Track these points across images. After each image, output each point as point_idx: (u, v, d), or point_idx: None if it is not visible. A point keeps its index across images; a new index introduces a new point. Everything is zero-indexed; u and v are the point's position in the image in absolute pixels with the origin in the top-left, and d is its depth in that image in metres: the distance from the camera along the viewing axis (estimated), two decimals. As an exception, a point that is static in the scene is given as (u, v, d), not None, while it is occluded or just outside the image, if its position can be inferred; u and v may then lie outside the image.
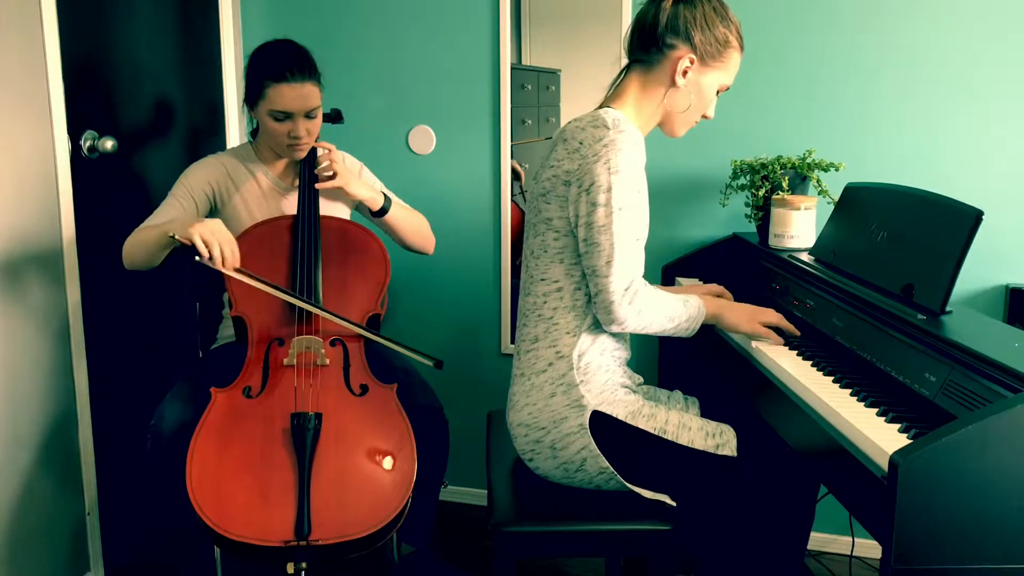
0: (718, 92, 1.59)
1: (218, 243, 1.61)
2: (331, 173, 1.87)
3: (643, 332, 1.52)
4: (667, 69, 1.54)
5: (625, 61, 1.62)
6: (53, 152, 1.85)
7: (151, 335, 2.17)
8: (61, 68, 1.84)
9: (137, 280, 2.08)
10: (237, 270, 1.67)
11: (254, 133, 1.98)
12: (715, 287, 1.86)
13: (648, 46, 1.54)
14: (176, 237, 1.61)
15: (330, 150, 1.90)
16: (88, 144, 1.93)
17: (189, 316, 2.23)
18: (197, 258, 1.61)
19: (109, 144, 1.94)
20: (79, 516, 1.97)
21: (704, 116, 1.60)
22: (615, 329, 1.50)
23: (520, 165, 2.42)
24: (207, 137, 2.39)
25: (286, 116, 1.81)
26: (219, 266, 1.62)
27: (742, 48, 1.58)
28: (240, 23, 2.47)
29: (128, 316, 2.09)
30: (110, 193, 2.02)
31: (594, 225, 1.45)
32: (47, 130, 1.83)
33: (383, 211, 1.94)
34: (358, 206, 2.00)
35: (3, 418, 1.76)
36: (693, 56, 1.52)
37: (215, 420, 1.61)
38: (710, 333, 1.72)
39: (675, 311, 1.53)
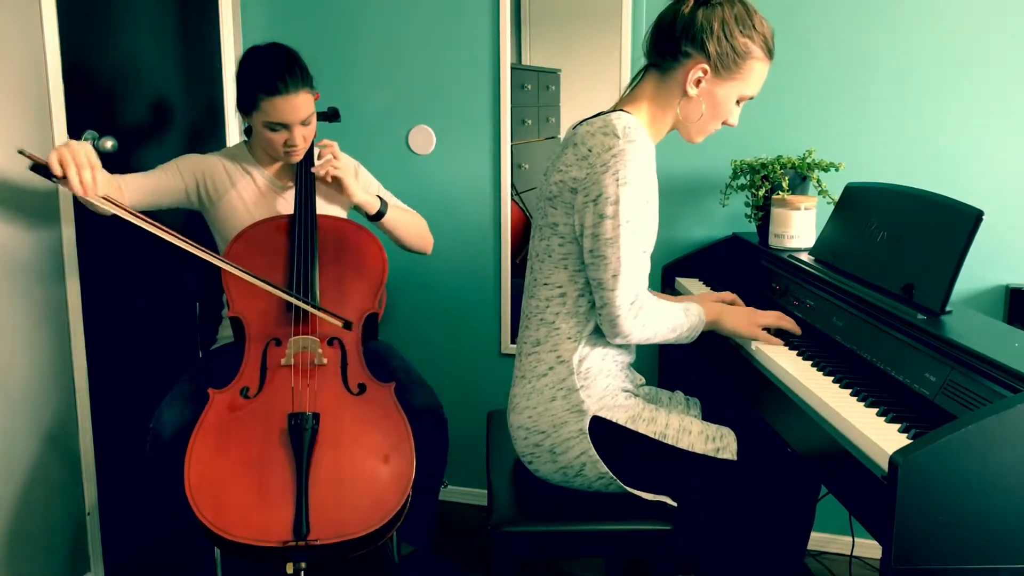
0: (739, 101, 1.53)
1: (76, 165, 1.40)
2: (331, 167, 1.87)
3: (646, 343, 1.51)
4: (680, 77, 1.49)
5: (644, 63, 1.57)
6: (53, 152, 1.85)
7: (151, 335, 2.17)
8: (61, 68, 1.84)
9: (137, 280, 2.09)
10: (129, 212, 1.48)
11: (248, 132, 1.98)
12: (727, 295, 1.84)
13: (664, 52, 1.50)
14: (27, 153, 1.40)
15: (332, 146, 1.91)
16: (88, 144, 1.93)
17: (189, 316, 2.23)
18: (54, 180, 1.41)
19: (109, 144, 1.94)
20: (79, 516, 1.97)
21: (726, 123, 1.55)
22: (619, 341, 1.50)
23: (523, 169, 2.42)
24: (207, 137, 2.39)
25: (282, 126, 1.81)
26: (79, 192, 1.42)
27: (770, 57, 1.50)
28: (240, 23, 2.47)
29: (128, 316, 2.09)
30: (110, 193, 2.02)
31: (601, 238, 1.43)
32: (47, 130, 1.83)
33: (379, 215, 1.94)
34: (355, 207, 2.00)
35: (3, 418, 1.76)
36: (707, 67, 1.46)
37: (213, 421, 1.61)
38: (711, 334, 1.72)
39: (677, 321, 1.52)
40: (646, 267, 1.48)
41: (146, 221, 1.52)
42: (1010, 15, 2.02)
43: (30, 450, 1.83)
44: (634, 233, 1.43)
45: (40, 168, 1.37)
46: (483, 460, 2.27)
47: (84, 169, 1.42)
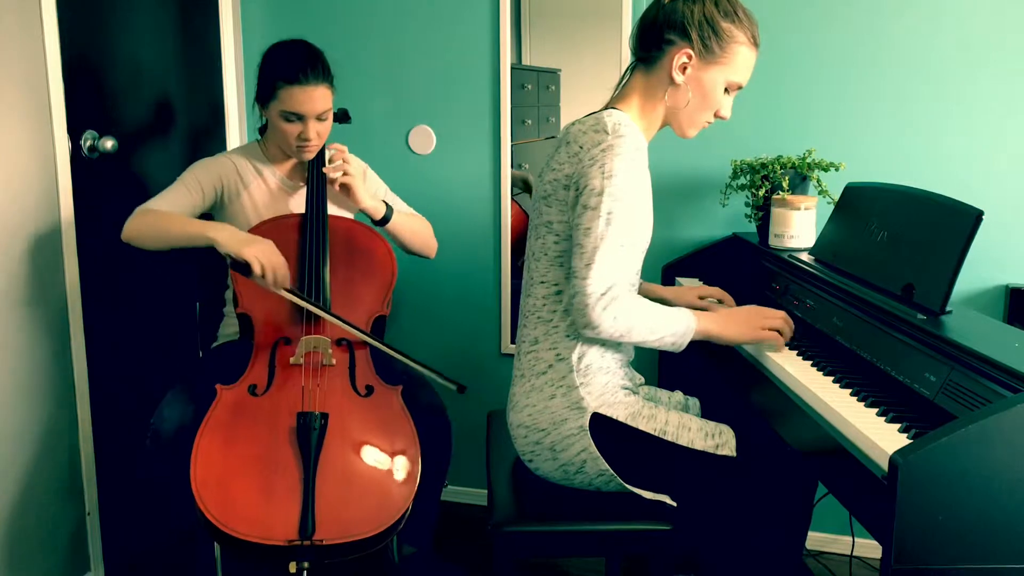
0: (728, 90, 1.54)
1: (272, 267, 1.66)
2: (342, 171, 1.87)
3: (620, 340, 1.46)
4: (666, 66, 1.51)
5: (631, 61, 1.60)
6: (53, 152, 1.85)
7: (151, 334, 2.17)
8: (61, 68, 1.84)
9: (137, 279, 2.09)
10: (299, 298, 1.73)
11: (262, 130, 1.98)
12: (715, 290, 1.85)
13: (649, 44, 1.53)
14: (232, 256, 1.65)
15: (342, 150, 1.90)
16: (88, 144, 1.93)
17: (189, 316, 2.23)
18: (250, 275, 1.66)
19: (109, 144, 1.94)
20: (79, 516, 1.97)
21: (719, 116, 1.56)
22: (589, 334, 1.44)
23: (523, 169, 2.42)
24: (207, 137, 2.39)
25: (297, 118, 1.81)
26: (270, 287, 1.68)
27: (755, 45, 1.52)
28: (240, 23, 2.47)
29: (128, 315, 2.09)
30: (110, 193, 2.02)
31: (581, 227, 1.43)
32: (47, 130, 1.83)
33: (385, 220, 1.95)
34: (360, 212, 2.00)
35: (3, 418, 1.76)
36: (691, 51, 1.49)
37: (220, 417, 1.61)
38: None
39: (657, 323, 1.45)
40: (625, 262, 1.44)
41: (308, 301, 1.78)
42: (1010, 16, 2.02)
43: (30, 450, 1.83)
44: (614, 226, 1.42)
45: (240, 266, 1.66)
46: (483, 460, 2.27)
47: (278, 271, 1.68)
